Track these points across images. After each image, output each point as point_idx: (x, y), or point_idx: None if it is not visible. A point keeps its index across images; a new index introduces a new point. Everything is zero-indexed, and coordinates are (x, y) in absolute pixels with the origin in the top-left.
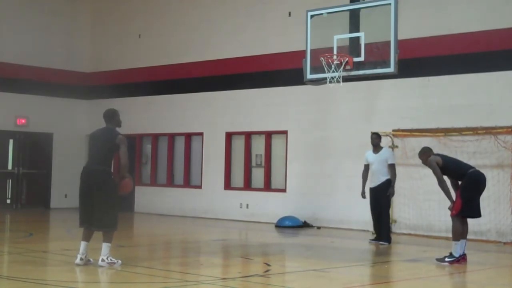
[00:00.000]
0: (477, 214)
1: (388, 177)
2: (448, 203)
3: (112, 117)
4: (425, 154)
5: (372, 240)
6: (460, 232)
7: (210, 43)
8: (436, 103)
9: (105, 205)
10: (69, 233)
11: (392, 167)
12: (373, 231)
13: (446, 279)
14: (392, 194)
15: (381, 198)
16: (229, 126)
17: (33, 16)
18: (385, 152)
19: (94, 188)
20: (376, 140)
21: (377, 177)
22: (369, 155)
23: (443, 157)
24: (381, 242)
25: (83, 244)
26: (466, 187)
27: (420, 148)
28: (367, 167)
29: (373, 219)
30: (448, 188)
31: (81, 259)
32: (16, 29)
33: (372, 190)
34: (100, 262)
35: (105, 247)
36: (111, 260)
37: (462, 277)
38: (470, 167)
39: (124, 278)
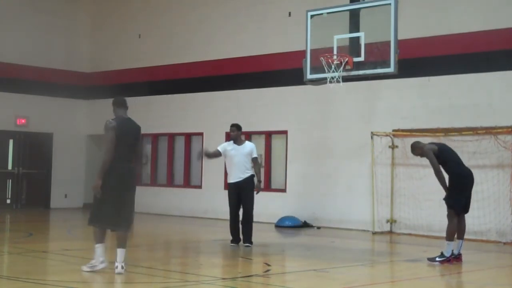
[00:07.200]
0: (465, 210)
1: (253, 172)
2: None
3: (125, 104)
4: (418, 148)
5: (233, 243)
6: (454, 233)
7: (210, 43)
8: (436, 103)
9: (132, 205)
10: (69, 233)
11: (256, 160)
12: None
13: (446, 279)
14: (259, 190)
15: (246, 197)
16: (229, 126)
17: (33, 16)
18: (249, 145)
19: (130, 189)
20: (233, 134)
21: (242, 172)
22: (230, 145)
23: (439, 145)
24: (246, 244)
25: (101, 247)
26: (453, 186)
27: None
28: (219, 152)
29: (231, 218)
30: (444, 178)
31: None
32: (16, 29)
33: (234, 185)
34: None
35: (121, 252)
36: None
37: (462, 277)
38: (459, 164)
39: (124, 278)
